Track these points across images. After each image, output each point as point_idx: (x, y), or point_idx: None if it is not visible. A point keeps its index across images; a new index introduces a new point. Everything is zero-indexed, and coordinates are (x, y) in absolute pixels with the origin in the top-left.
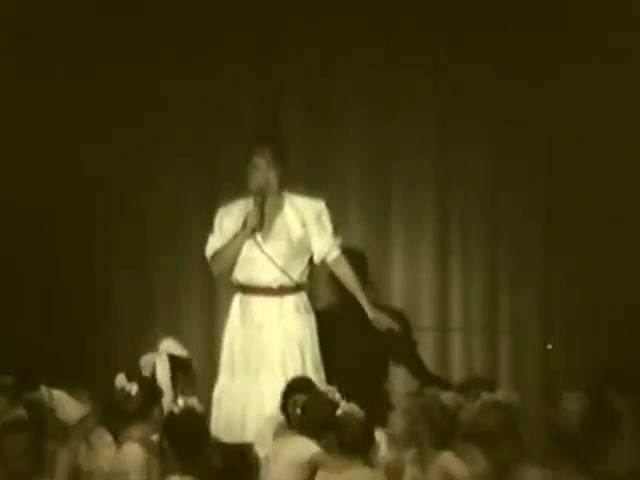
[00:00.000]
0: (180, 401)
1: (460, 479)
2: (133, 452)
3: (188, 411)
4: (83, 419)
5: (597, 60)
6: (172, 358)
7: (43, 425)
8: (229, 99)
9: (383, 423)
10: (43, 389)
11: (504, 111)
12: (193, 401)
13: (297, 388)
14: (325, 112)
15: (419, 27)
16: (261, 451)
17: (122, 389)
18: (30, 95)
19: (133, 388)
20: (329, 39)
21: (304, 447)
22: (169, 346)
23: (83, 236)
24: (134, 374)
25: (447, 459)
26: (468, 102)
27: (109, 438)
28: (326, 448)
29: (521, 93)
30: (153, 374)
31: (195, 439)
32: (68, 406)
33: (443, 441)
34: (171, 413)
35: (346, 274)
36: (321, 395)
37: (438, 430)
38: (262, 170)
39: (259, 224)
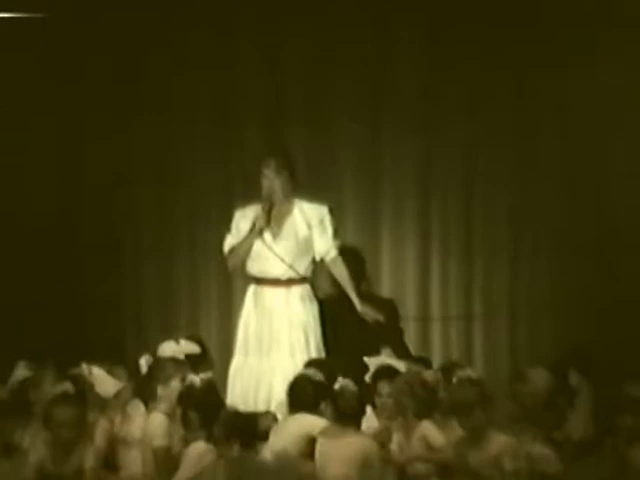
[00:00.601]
0: (196, 378)
1: (437, 444)
2: (158, 421)
3: (205, 384)
4: (118, 393)
5: (584, 63)
6: (188, 355)
7: (84, 397)
8: (242, 104)
9: (372, 397)
10: (84, 366)
11: (481, 114)
12: (208, 374)
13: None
14: (323, 120)
15: (409, 26)
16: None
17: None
18: (55, 95)
19: None
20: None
21: (312, 422)
22: (185, 347)
23: (118, 234)
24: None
25: (426, 427)
26: (452, 104)
27: (142, 408)
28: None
29: (501, 92)
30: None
31: (212, 406)
32: (105, 382)
33: (424, 412)
34: (191, 386)
35: (340, 273)
36: (304, 377)
37: (420, 402)
38: (269, 180)
39: (266, 225)
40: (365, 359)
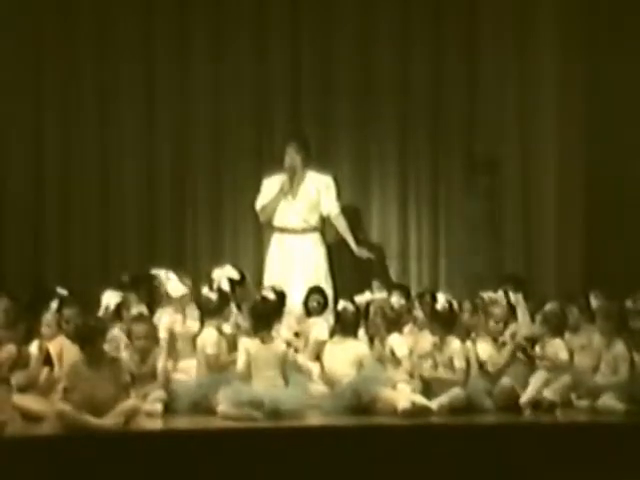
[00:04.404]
0: (263, 291)
1: (400, 354)
2: (210, 334)
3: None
4: (183, 295)
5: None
6: (230, 279)
7: (153, 297)
8: (274, 101)
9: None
10: (162, 271)
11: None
12: (268, 292)
13: (314, 292)
14: (329, 114)
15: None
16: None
17: (206, 296)
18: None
19: (213, 295)
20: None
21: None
22: (228, 271)
23: (197, 200)
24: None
25: (392, 339)
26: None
27: (196, 313)
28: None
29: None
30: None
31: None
32: (175, 284)
33: (392, 328)
34: (255, 299)
35: (341, 225)
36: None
37: (388, 321)
38: (292, 156)
39: (289, 190)
40: (355, 298)
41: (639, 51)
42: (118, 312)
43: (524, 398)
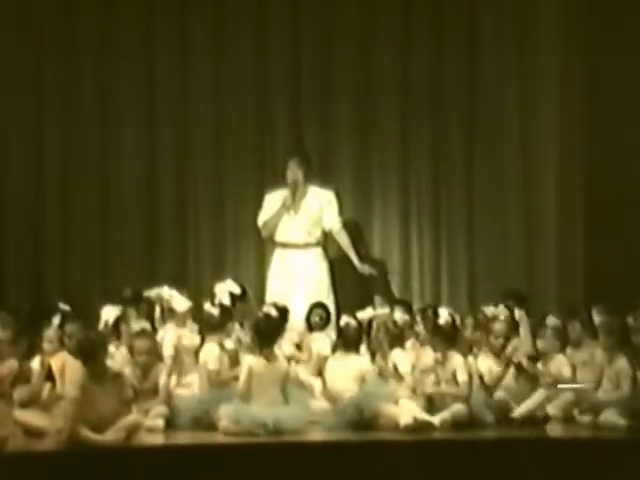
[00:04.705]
0: (265, 308)
1: (402, 370)
2: (212, 350)
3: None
4: (188, 309)
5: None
6: (231, 293)
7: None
8: (273, 120)
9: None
10: (165, 288)
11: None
12: (270, 309)
13: (316, 307)
14: (331, 131)
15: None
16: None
17: (209, 312)
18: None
19: (215, 311)
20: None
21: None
22: (230, 285)
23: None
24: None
25: (394, 355)
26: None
27: (196, 327)
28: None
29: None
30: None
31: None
32: (179, 300)
33: (395, 343)
34: (258, 317)
35: (343, 240)
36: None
37: (390, 336)
38: (294, 170)
39: (291, 205)
40: (357, 314)
41: (639, 51)
42: (117, 327)
43: (516, 413)
